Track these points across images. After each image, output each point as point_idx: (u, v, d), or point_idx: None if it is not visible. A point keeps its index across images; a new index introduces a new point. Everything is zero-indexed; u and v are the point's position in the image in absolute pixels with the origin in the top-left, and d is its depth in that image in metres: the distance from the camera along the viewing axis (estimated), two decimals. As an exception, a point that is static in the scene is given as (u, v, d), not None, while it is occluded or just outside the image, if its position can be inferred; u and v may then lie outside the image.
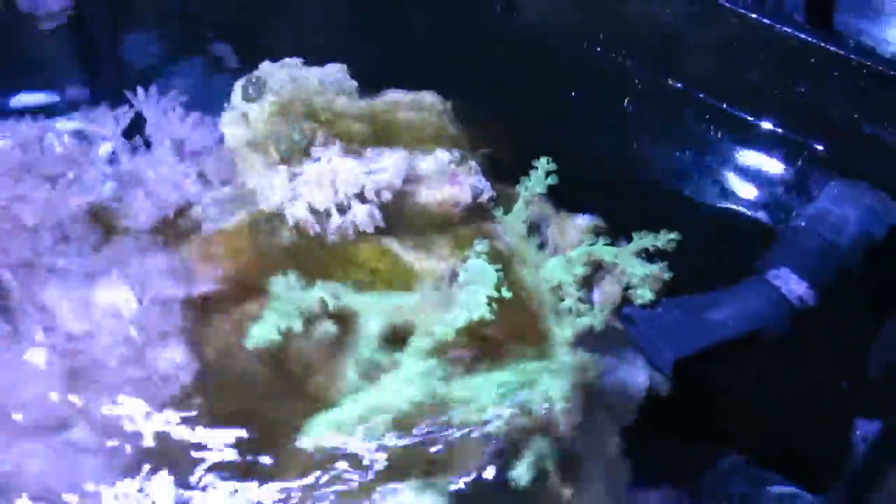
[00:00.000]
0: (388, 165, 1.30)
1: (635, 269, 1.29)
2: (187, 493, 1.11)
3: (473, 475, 1.12)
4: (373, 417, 1.13)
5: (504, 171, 1.41)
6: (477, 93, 1.47)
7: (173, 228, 1.32)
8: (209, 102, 1.47)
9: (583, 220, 1.44)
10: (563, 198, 1.41)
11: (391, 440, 1.12)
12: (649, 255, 1.32)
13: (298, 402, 1.19)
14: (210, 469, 1.14)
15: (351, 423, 1.13)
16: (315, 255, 1.27)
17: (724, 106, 1.49)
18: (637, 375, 1.29)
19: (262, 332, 1.18)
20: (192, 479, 1.12)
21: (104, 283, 1.24)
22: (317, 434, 1.13)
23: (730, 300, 1.31)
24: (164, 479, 1.12)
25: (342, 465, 1.12)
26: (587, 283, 1.36)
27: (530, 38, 1.62)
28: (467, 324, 1.19)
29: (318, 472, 1.12)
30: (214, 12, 1.71)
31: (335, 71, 1.50)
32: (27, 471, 1.12)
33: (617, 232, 1.37)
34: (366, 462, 1.12)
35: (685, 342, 1.25)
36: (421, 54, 1.52)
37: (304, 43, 1.50)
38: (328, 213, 1.27)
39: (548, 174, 1.36)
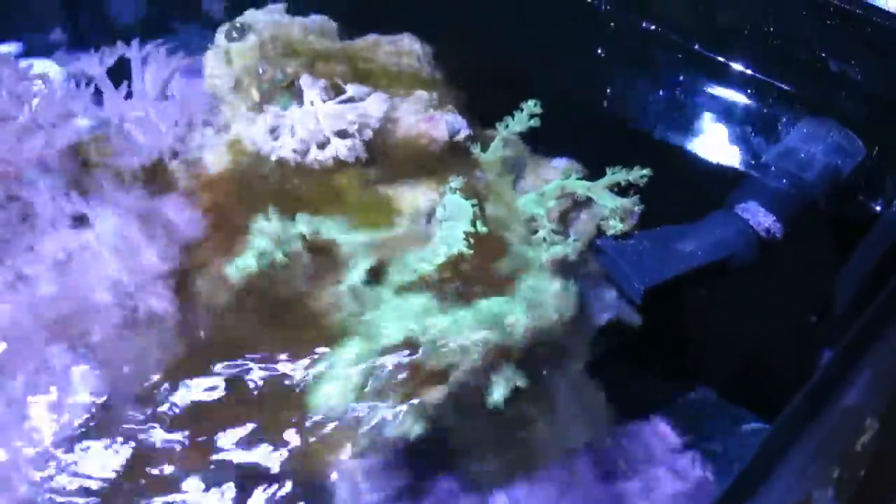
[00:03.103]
0: (368, 105, 1.34)
1: (606, 202, 1.34)
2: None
3: (450, 398, 1.17)
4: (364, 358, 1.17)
5: (481, 113, 1.44)
6: (454, 37, 1.49)
7: (158, 170, 1.35)
8: (194, 49, 1.50)
9: (559, 163, 1.47)
10: (540, 141, 1.45)
11: (374, 371, 1.16)
12: (622, 190, 1.37)
13: (284, 336, 1.22)
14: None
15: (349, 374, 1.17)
16: (297, 192, 1.31)
17: (696, 47, 1.53)
18: (609, 306, 1.33)
19: (244, 266, 1.22)
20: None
21: (88, 224, 1.27)
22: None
23: (698, 231, 1.35)
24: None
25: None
26: (564, 221, 1.40)
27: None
28: (447, 259, 1.24)
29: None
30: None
31: (318, 18, 1.53)
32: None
33: (593, 174, 1.41)
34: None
35: (654, 271, 1.29)
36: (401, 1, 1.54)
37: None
38: (309, 150, 1.30)
39: (531, 116, 1.40)
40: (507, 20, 1.62)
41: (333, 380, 1.14)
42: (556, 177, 1.44)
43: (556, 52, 1.59)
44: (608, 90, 1.60)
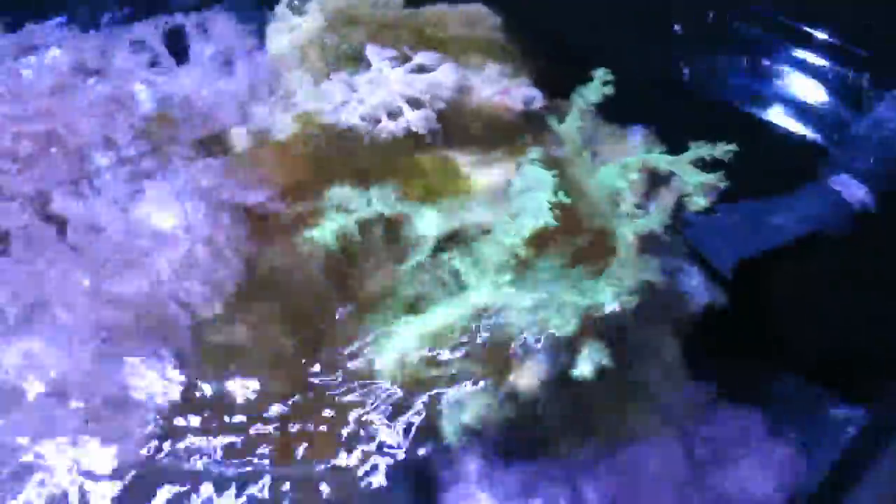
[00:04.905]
0: (439, 75, 1.29)
1: (691, 178, 1.27)
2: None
3: (535, 375, 1.13)
4: (441, 331, 1.14)
5: (555, 85, 1.38)
6: (526, 7, 1.44)
7: (223, 140, 1.31)
8: (256, 19, 1.46)
9: (635, 136, 1.42)
10: (614, 113, 1.39)
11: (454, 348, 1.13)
12: (705, 165, 1.31)
13: (357, 310, 1.18)
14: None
15: (423, 340, 1.14)
16: (369, 162, 1.26)
17: (780, 17, 1.47)
18: (696, 283, 1.27)
19: (319, 237, 1.17)
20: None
21: (155, 197, 1.23)
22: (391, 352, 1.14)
23: (789, 205, 1.29)
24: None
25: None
26: (644, 195, 1.35)
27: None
28: (533, 231, 1.18)
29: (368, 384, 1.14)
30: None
31: (381, -14, 1.49)
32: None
33: (668, 148, 1.35)
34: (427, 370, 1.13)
35: (746, 244, 1.23)
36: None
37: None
38: (380, 120, 1.25)
39: (605, 83, 1.34)
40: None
41: (405, 351, 1.11)
42: (632, 150, 1.38)
43: (630, 23, 1.54)
44: (683, 62, 1.54)
